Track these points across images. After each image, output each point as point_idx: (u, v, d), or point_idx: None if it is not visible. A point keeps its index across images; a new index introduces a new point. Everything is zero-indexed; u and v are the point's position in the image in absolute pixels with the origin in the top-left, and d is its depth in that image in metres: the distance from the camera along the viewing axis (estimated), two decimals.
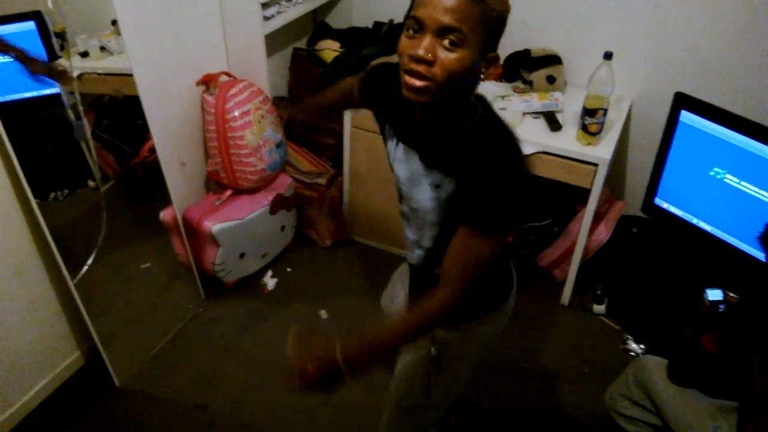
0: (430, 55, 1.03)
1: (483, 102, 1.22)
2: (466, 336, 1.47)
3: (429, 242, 1.35)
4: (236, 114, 2.48)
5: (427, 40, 1.03)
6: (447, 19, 1.01)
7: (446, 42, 1.03)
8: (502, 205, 1.13)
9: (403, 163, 1.30)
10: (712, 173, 2.25)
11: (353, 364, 1.15)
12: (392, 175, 1.38)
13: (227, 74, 2.59)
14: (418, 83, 1.06)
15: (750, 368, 1.51)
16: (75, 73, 2.15)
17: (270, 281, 2.86)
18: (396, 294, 1.70)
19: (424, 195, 1.26)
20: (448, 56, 1.04)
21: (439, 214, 1.26)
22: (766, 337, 1.46)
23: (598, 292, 2.75)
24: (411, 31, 1.06)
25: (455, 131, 1.18)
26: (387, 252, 3.02)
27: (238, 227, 2.60)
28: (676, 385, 1.76)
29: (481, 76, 1.11)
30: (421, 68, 1.04)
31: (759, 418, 1.51)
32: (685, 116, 2.26)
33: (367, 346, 1.21)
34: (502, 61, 2.76)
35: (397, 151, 1.31)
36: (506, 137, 1.17)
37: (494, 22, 1.05)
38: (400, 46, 1.08)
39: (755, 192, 2.15)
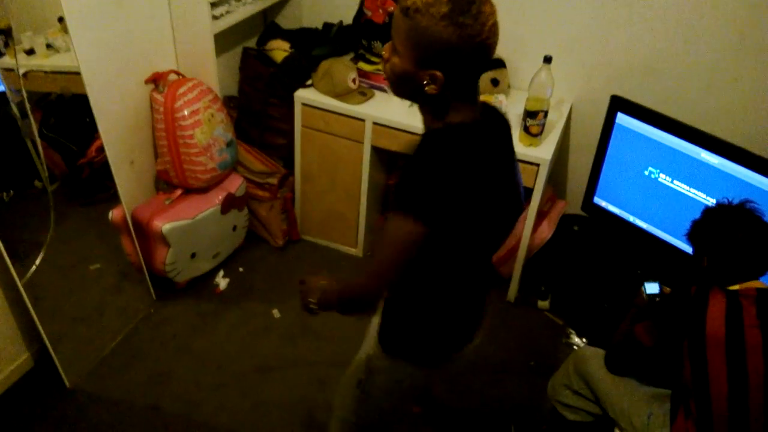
0: (384, 53, 1.22)
1: (471, 119, 1.22)
2: (396, 371, 1.49)
3: None
4: (186, 113, 2.48)
5: (389, 42, 1.19)
6: (391, 30, 1.16)
7: (392, 44, 1.17)
8: (412, 184, 1.15)
9: None
10: (646, 173, 2.37)
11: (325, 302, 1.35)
12: None
13: (176, 73, 2.59)
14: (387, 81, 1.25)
15: (680, 356, 1.62)
16: (21, 71, 2.12)
17: (222, 281, 2.87)
18: None
19: None
20: (389, 60, 1.19)
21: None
22: (693, 325, 1.57)
23: (542, 288, 2.85)
24: None
25: (427, 130, 1.25)
26: (339, 251, 3.06)
27: (189, 227, 2.60)
28: (613, 375, 1.86)
29: (426, 88, 1.15)
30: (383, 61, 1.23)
31: (689, 403, 1.62)
32: (621, 118, 2.37)
33: (334, 294, 1.33)
34: None
35: None
36: (455, 141, 1.18)
37: (423, 37, 1.09)
38: None
39: (686, 191, 2.27)
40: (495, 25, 1.13)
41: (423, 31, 1.08)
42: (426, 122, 1.25)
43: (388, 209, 1.18)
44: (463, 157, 1.17)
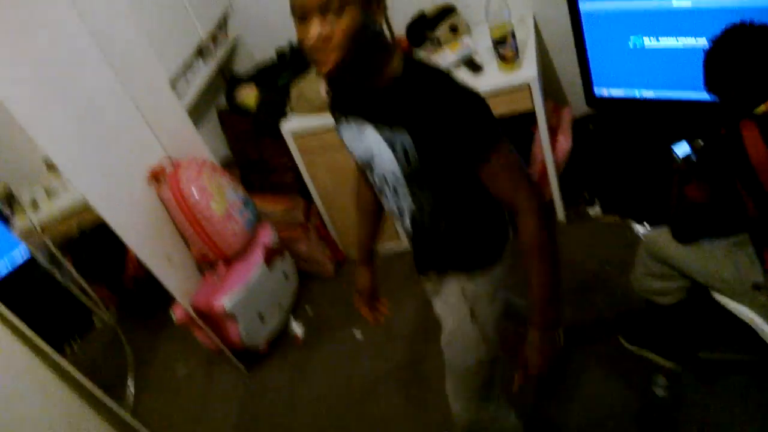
0: (322, 38, 1.14)
1: (403, 53, 1.28)
2: (488, 280, 1.55)
3: (410, 203, 1.43)
4: (194, 192, 2.52)
5: (315, 24, 1.14)
6: (317, 7, 1.13)
7: (332, 13, 1.13)
8: (480, 123, 1.24)
9: (358, 136, 1.37)
10: (631, 45, 2.34)
11: (555, 326, 1.40)
12: (356, 163, 1.49)
13: (169, 159, 2.64)
14: (329, 66, 1.17)
15: (739, 198, 1.60)
16: (38, 228, 2.19)
17: (298, 329, 2.90)
18: (430, 294, 1.73)
19: (383, 157, 1.33)
20: (340, 23, 1.14)
21: (403, 170, 1.33)
22: (738, 160, 1.54)
23: (586, 196, 2.83)
24: (299, 21, 1.17)
25: (387, 84, 1.26)
26: (389, 252, 3.01)
27: (246, 293, 2.65)
28: (685, 243, 1.84)
29: (380, 22, 1.20)
30: (321, 53, 1.16)
31: (766, 234, 1.59)
32: (584, 5, 2.35)
33: (545, 311, 1.38)
34: (404, 34, 2.83)
35: (351, 130, 1.38)
36: (436, 75, 1.25)
37: None
38: (298, 36, 1.18)
39: (675, 43, 2.24)
40: None
41: None
42: (382, 73, 1.26)
43: (478, 160, 1.27)
44: (462, 85, 1.26)
